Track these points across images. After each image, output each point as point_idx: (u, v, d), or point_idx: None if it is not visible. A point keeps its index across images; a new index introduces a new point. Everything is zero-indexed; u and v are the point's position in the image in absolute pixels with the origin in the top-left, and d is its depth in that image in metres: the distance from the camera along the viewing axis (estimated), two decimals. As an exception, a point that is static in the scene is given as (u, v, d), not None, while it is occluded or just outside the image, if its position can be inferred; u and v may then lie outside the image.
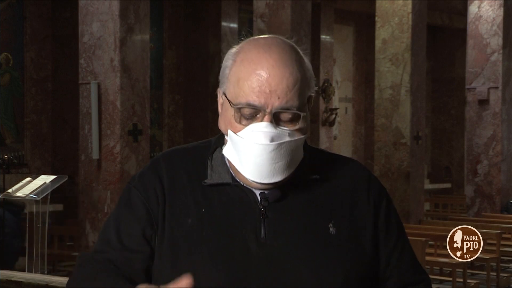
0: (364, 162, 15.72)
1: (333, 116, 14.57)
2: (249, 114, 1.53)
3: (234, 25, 12.57)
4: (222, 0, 12.35)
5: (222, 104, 1.60)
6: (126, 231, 1.58)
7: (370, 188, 1.64)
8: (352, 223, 1.58)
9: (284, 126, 1.52)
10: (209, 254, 1.51)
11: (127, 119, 7.31)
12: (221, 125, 1.60)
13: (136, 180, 1.63)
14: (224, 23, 12.41)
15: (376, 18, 10.84)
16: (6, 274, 4.59)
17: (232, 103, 1.55)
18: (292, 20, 8.40)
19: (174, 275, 1.51)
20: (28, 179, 6.56)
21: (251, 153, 1.51)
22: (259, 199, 1.55)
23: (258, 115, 1.52)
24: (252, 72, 1.53)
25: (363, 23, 15.84)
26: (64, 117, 11.09)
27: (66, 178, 6.62)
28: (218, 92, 1.63)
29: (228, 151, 1.57)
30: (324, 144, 14.12)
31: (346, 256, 1.55)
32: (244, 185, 1.57)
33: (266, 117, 1.51)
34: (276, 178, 1.52)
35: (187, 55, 12.53)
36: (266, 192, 1.56)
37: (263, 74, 1.52)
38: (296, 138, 1.53)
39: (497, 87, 11.01)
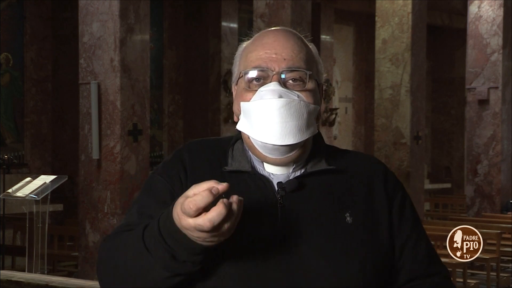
0: (364, 162, 15.72)
1: (333, 116, 14.57)
2: (257, 77, 1.56)
3: (234, 25, 12.57)
4: (222, 0, 12.35)
5: (235, 95, 1.64)
6: (148, 214, 1.56)
7: (386, 180, 1.65)
8: (368, 213, 1.59)
9: (293, 89, 1.55)
10: (225, 241, 1.49)
11: (127, 119, 7.30)
12: (235, 110, 1.63)
13: (159, 168, 1.65)
14: (224, 23, 12.41)
15: (376, 18, 10.84)
16: (6, 274, 4.60)
17: (241, 73, 1.59)
18: (292, 20, 8.40)
19: None
20: (28, 179, 6.56)
21: (260, 112, 1.52)
22: (276, 188, 1.56)
23: (267, 80, 1.56)
24: (258, 44, 1.59)
25: (363, 23, 15.84)
26: (64, 117, 11.09)
27: (66, 178, 6.63)
28: (232, 88, 1.68)
29: (241, 124, 1.58)
30: (324, 144, 14.11)
31: (362, 245, 1.55)
32: (262, 174, 1.58)
33: (274, 77, 1.55)
34: (288, 140, 1.51)
35: (187, 55, 12.53)
36: (283, 182, 1.56)
37: (269, 41, 1.58)
38: (307, 101, 1.56)
39: (497, 87, 11.01)
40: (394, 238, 1.61)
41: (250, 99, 1.56)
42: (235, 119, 1.63)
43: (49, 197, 6.26)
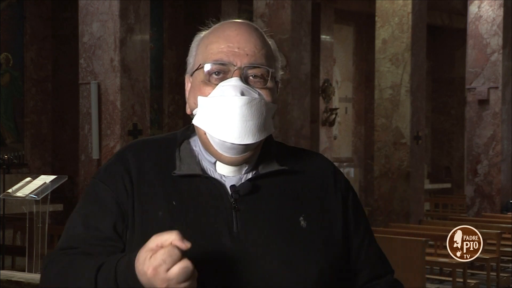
0: (364, 162, 15.72)
1: (333, 116, 14.57)
2: (218, 71, 1.50)
3: (234, 25, 12.56)
4: (222, 0, 12.35)
5: (190, 87, 1.58)
6: (94, 225, 1.49)
7: (336, 180, 1.62)
8: (322, 215, 1.56)
9: (254, 86, 1.50)
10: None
11: (127, 119, 7.31)
12: (191, 103, 1.56)
13: (101, 174, 1.56)
14: (224, 23, 12.40)
15: (376, 18, 10.84)
16: (6, 274, 4.60)
17: (201, 65, 1.53)
18: (292, 20, 8.40)
19: None
20: (28, 179, 6.55)
21: (220, 109, 1.47)
22: (229, 192, 1.51)
23: (228, 74, 1.50)
24: (220, 36, 1.54)
25: (363, 23, 15.84)
26: (64, 117, 11.08)
27: (66, 178, 6.61)
28: (186, 79, 1.61)
29: (198, 119, 1.52)
30: (324, 144, 14.11)
31: (318, 248, 1.52)
32: (214, 176, 1.53)
33: (236, 72, 1.49)
34: (248, 140, 1.46)
35: (187, 55, 12.51)
36: (236, 185, 1.52)
37: (231, 34, 1.53)
38: (266, 100, 1.50)
39: (497, 87, 11.02)
40: (350, 239, 1.60)
41: (209, 93, 1.50)
42: (188, 111, 1.57)
43: (49, 197, 6.25)
